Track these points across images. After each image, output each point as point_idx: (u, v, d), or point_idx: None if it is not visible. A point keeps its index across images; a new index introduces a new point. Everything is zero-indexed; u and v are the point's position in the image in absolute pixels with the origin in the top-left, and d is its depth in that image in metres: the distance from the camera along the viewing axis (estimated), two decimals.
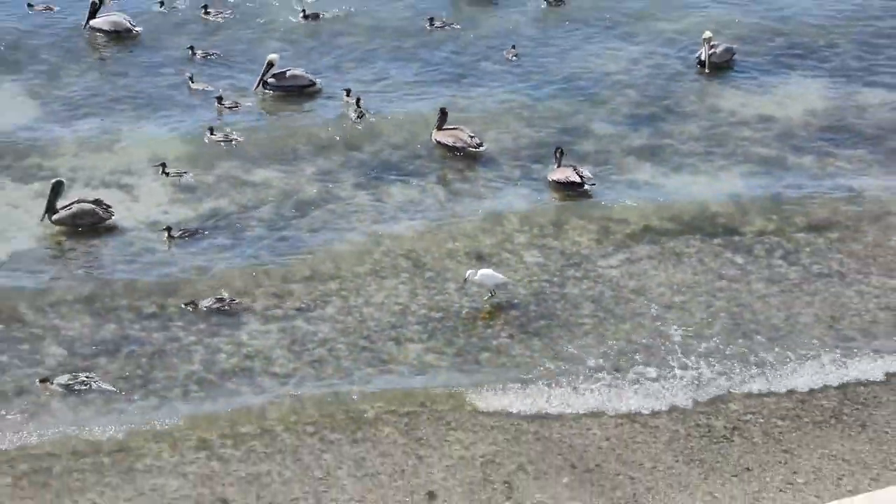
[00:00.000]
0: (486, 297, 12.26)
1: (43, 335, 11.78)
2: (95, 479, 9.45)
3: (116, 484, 9.35)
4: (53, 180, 13.27)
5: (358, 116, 15.51)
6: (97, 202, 13.23)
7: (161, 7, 18.24)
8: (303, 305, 12.37)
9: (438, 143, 14.59)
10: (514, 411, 10.53)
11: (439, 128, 14.73)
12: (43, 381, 10.81)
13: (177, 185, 14.67)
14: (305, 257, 13.27)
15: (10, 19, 18.91)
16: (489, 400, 10.76)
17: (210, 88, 16.39)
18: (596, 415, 10.49)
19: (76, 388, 10.49)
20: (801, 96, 16.59)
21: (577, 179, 13.33)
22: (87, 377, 10.54)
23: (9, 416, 10.23)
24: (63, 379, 10.40)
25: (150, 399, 10.83)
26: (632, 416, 10.54)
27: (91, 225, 13.32)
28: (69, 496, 9.25)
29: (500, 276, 12.14)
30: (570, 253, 13.48)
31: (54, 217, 13.07)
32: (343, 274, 12.96)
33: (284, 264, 13.24)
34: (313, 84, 15.61)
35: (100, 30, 17.83)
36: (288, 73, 15.84)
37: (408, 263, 13.19)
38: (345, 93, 16.14)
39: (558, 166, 13.78)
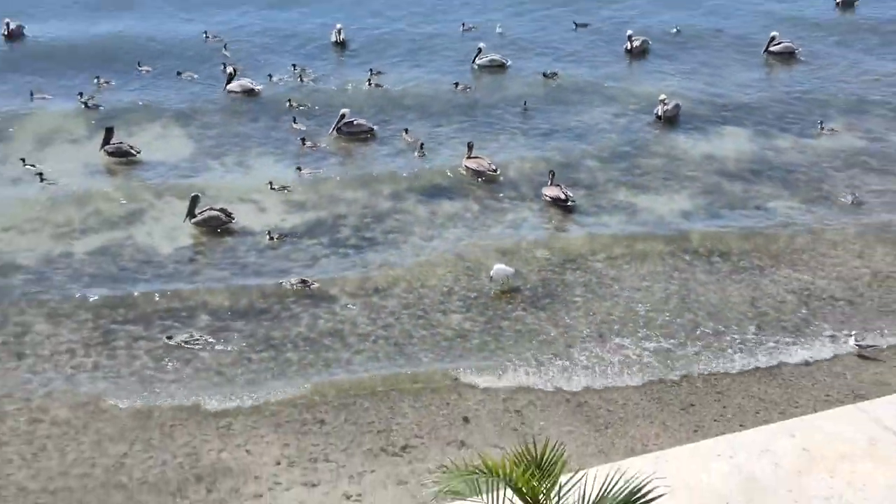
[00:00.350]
0: (501, 284, 12.63)
1: (195, 306, 12.57)
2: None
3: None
4: (192, 194, 14.14)
5: (420, 155, 15.97)
6: (222, 210, 14.04)
7: (271, 79, 18.90)
8: (378, 287, 13.13)
9: (467, 168, 15.21)
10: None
11: (467, 157, 15.21)
12: (168, 338, 11.65)
13: (284, 200, 15.26)
14: (380, 253, 13.86)
15: (172, 87, 19.16)
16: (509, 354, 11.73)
17: (303, 128, 16.87)
18: (584, 367, 11.32)
19: (190, 344, 11.30)
20: (733, 141, 17.04)
21: (563, 197, 14.06)
22: (198, 336, 11.30)
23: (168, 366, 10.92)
24: (181, 336, 11.16)
25: (269, 351, 11.64)
26: (608, 367, 11.31)
27: (218, 226, 14.10)
28: None
29: (510, 269, 12.78)
30: (568, 251, 14.20)
31: (193, 220, 13.89)
32: (407, 264, 13.67)
33: (365, 257, 13.96)
34: (372, 130, 16.26)
35: (233, 91, 18.65)
36: (355, 122, 16.44)
37: (452, 257, 13.91)
38: (403, 131, 16.70)
39: (550, 184, 14.45)
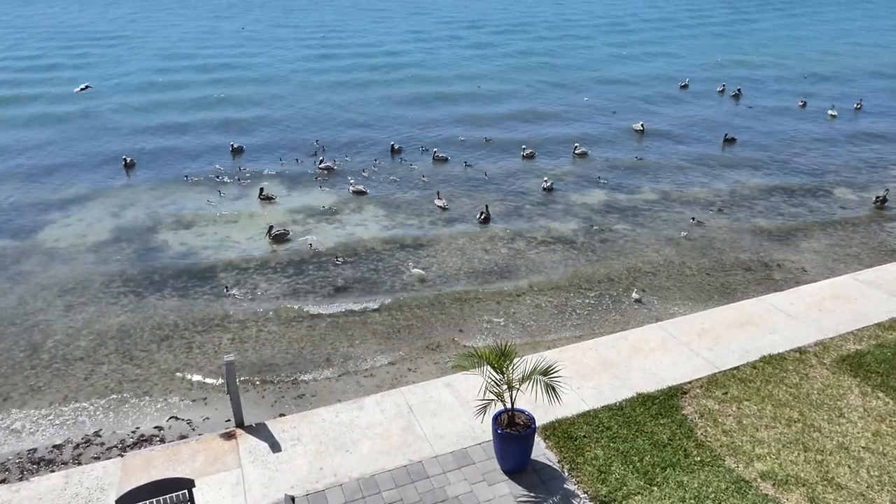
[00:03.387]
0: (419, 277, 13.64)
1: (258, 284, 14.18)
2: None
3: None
4: (268, 224, 15.94)
5: (483, 220, 16.56)
6: (284, 231, 15.65)
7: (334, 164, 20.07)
8: (425, 265, 14.82)
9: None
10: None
11: (481, 221, 16.27)
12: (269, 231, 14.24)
13: (330, 220, 16.81)
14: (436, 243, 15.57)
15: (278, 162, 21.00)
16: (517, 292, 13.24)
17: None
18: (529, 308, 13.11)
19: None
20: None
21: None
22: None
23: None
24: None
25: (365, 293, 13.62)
26: (543, 309, 13.13)
27: (283, 238, 15.72)
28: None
29: (423, 271, 13.89)
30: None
31: (270, 236, 15.61)
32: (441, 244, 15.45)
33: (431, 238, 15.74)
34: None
35: (323, 168, 20.11)
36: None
37: (464, 240, 15.84)
38: (436, 194, 17.71)
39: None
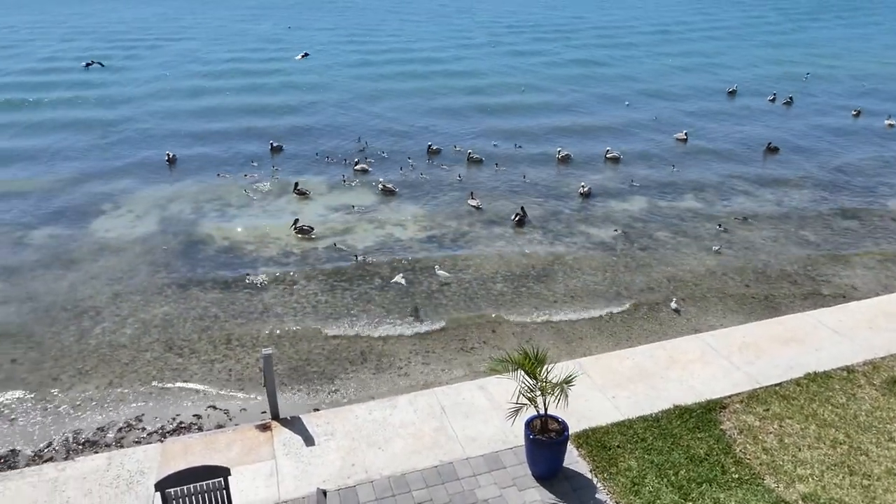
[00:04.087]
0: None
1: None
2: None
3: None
4: (294, 218, 16.08)
5: (518, 222, 16.40)
6: (306, 225, 15.65)
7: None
8: (460, 266, 14.75)
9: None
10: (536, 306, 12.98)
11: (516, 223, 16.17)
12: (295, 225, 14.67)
13: (361, 219, 16.80)
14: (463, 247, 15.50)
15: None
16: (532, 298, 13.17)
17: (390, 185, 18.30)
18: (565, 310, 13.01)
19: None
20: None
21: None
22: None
23: None
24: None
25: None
26: (579, 310, 12.97)
27: (307, 233, 15.77)
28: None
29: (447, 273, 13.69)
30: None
31: (295, 230, 15.71)
32: (473, 255, 15.27)
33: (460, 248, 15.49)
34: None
35: (359, 168, 19.82)
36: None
37: (502, 243, 15.64)
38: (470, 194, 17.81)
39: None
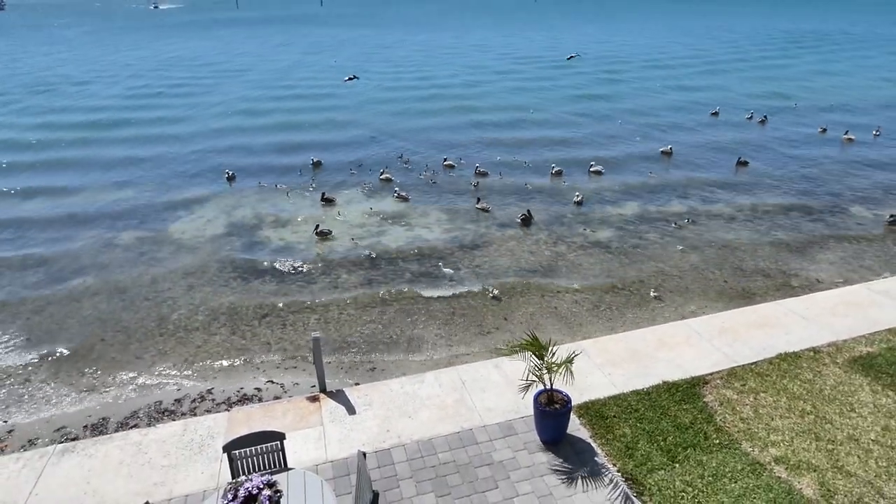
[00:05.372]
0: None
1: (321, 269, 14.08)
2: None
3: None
4: (316, 224, 15.78)
5: (523, 221, 16.10)
6: (326, 229, 15.37)
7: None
8: (475, 262, 14.33)
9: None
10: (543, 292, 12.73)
11: (523, 222, 15.94)
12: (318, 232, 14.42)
13: (376, 222, 16.36)
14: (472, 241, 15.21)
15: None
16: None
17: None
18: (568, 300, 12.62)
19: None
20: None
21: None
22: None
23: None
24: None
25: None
26: (579, 301, 12.63)
27: (326, 235, 15.53)
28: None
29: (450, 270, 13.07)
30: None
31: (316, 232, 15.44)
32: (486, 245, 15.06)
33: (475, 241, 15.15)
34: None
35: (384, 179, 19.51)
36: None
37: (513, 243, 15.34)
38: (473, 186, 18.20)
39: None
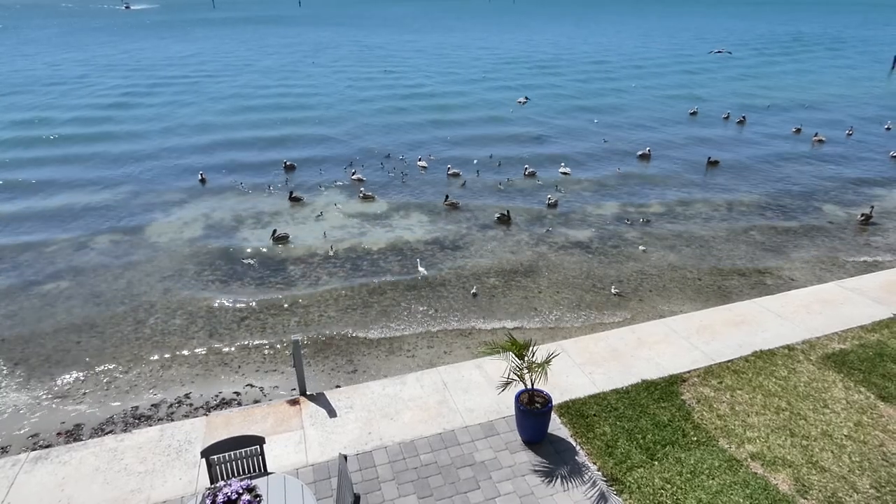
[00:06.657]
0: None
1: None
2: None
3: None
4: (273, 229, 15.33)
5: (500, 219, 16.10)
6: (283, 234, 15.03)
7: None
8: (456, 263, 14.21)
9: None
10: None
11: (500, 220, 15.94)
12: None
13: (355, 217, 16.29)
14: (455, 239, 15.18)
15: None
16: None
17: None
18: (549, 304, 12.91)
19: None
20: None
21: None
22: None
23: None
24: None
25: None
26: (557, 304, 12.62)
27: (283, 240, 15.21)
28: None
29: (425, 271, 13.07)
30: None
31: (273, 238, 15.13)
32: (466, 244, 14.97)
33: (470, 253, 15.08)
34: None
35: (356, 179, 19.12)
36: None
37: (494, 243, 15.34)
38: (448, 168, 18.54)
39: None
